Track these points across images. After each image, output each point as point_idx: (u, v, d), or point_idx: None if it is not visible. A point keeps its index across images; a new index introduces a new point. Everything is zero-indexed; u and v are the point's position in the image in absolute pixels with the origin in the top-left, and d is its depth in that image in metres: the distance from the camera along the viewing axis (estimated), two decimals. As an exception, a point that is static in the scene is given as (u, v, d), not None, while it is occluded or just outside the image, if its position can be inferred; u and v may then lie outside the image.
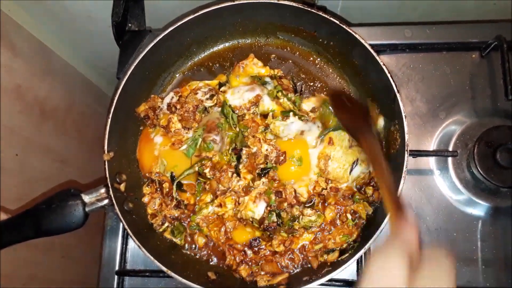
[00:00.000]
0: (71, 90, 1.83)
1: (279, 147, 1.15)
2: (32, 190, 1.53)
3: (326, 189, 1.15)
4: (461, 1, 1.42)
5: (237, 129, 1.19)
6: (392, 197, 0.74)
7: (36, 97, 1.57)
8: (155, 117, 1.24)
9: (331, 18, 1.15)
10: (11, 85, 1.42)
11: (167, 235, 1.18)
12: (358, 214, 1.13)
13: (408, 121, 1.07)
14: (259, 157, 1.15)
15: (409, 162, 1.24)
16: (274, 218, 1.14)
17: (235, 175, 1.16)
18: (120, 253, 1.28)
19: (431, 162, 1.28)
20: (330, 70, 1.29)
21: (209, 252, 1.19)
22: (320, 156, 1.16)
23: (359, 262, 1.17)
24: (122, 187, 1.16)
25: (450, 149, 1.25)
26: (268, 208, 1.14)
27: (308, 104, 1.24)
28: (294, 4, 1.16)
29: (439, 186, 1.26)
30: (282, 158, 1.14)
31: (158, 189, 1.21)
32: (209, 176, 1.17)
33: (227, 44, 1.33)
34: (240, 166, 1.17)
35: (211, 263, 1.18)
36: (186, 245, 1.20)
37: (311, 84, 1.29)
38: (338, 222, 1.14)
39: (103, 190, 1.11)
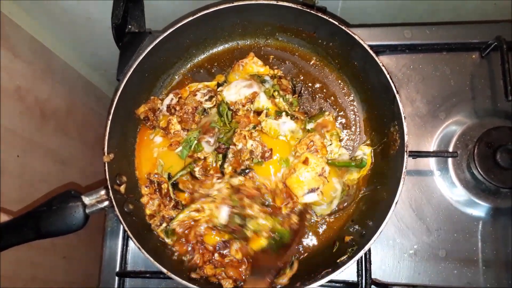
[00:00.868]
0: (71, 91, 1.83)
1: (265, 144, 1.15)
2: (33, 192, 1.54)
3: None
4: (461, 2, 1.42)
5: (231, 126, 1.19)
6: None
7: (37, 98, 1.58)
8: (154, 119, 1.24)
9: (330, 19, 1.15)
10: (11, 87, 1.43)
11: (161, 234, 1.19)
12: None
13: (408, 121, 1.07)
14: (244, 153, 1.14)
15: (409, 163, 1.24)
16: (237, 220, 1.14)
17: (218, 181, 1.16)
18: (120, 255, 1.29)
19: (431, 163, 1.28)
20: (330, 71, 1.29)
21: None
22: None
23: (359, 263, 1.18)
24: (122, 188, 1.16)
25: (450, 149, 1.25)
26: (232, 211, 1.14)
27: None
28: (293, 5, 1.16)
29: (439, 187, 1.26)
30: (268, 154, 1.13)
31: (157, 190, 1.21)
32: (198, 176, 1.18)
33: (226, 46, 1.33)
34: (225, 165, 1.17)
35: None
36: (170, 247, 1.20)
37: (310, 85, 1.29)
38: None
39: (103, 192, 1.10)
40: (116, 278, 1.27)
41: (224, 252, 1.15)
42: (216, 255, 1.16)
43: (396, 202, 1.02)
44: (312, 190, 1.11)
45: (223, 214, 1.13)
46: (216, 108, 1.21)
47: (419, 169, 1.28)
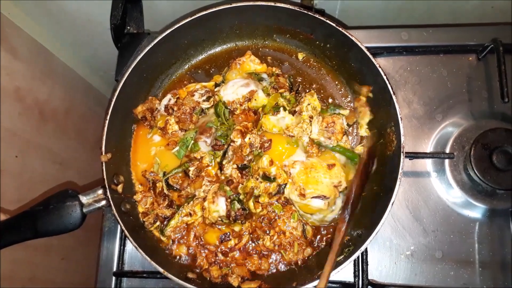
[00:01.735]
0: (70, 92, 1.84)
1: (264, 136, 1.15)
2: (32, 192, 1.54)
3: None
4: (458, 4, 1.43)
5: (228, 124, 1.20)
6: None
7: (36, 99, 1.58)
8: (152, 119, 1.25)
9: (327, 21, 1.15)
10: (11, 87, 1.44)
11: (156, 232, 1.19)
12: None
13: (405, 123, 1.08)
14: (244, 148, 1.15)
15: (406, 164, 1.25)
16: (237, 205, 1.15)
17: (207, 183, 1.17)
18: (117, 255, 1.29)
19: (428, 164, 1.28)
20: (327, 73, 1.29)
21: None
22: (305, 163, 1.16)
23: (356, 264, 1.18)
24: (120, 188, 1.16)
25: (447, 151, 1.25)
26: (229, 200, 1.15)
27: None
28: (291, 7, 1.17)
29: (436, 188, 1.26)
30: (267, 144, 1.14)
31: (151, 188, 1.21)
32: (191, 176, 1.18)
33: (224, 47, 1.34)
34: (224, 162, 1.17)
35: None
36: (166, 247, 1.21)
37: (308, 86, 1.29)
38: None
39: (100, 191, 1.11)
40: (113, 278, 1.27)
41: (228, 245, 1.17)
42: (220, 255, 1.17)
43: (393, 203, 1.02)
44: (321, 197, 1.11)
45: (221, 205, 1.13)
46: (214, 108, 1.22)
47: (416, 170, 1.28)
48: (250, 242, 1.19)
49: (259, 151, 1.14)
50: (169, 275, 1.04)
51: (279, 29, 1.28)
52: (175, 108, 1.22)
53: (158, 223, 1.18)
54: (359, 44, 1.13)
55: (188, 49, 1.31)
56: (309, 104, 1.19)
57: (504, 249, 1.19)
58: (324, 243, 1.19)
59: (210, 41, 1.32)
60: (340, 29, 1.15)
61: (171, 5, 1.51)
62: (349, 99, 1.27)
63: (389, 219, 1.25)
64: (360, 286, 1.16)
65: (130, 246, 1.30)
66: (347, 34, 1.14)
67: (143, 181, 1.24)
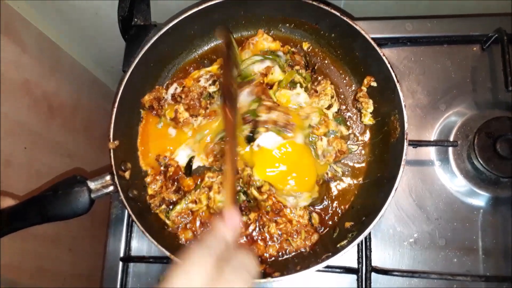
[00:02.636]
0: (78, 87, 1.86)
1: (290, 116, 1.16)
2: (40, 183, 1.55)
3: None
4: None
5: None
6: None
7: (44, 93, 1.60)
8: (159, 108, 1.27)
9: (332, 11, 1.17)
10: (20, 80, 1.45)
11: (161, 215, 1.21)
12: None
13: (409, 113, 1.09)
14: (268, 123, 1.15)
15: (409, 153, 1.26)
16: (242, 197, 1.17)
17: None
18: (125, 241, 1.30)
19: (431, 153, 1.29)
20: (331, 62, 1.30)
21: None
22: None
23: (359, 250, 1.19)
24: (127, 174, 1.18)
25: (451, 140, 1.26)
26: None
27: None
28: (297, -2, 1.18)
29: (439, 176, 1.27)
30: (291, 127, 1.15)
31: (162, 172, 1.23)
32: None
33: (230, 37, 1.35)
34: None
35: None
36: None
37: (314, 76, 1.30)
38: None
39: (108, 177, 1.13)
40: (120, 263, 1.28)
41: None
42: None
43: (396, 188, 1.03)
44: None
45: None
46: None
47: (419, 159, 1.29)
48: (256, 229, 1.20)
49: (281, 129, 1.15)
50: (175, 259, 1.05)
51: (284, 19, 1.29)
52: (183, 96, 1.23)
53: (164, 206, 1.20)
54: (363, 33, 1.14)
55: (194, 40, 1.33)
56: (330, 88, 1.21)
57: (508, 237, 1.19)
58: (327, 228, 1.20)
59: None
60: (345, 19, 1.16)
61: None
62: (353, 88, 1.28)
63: (392, 207, 1.26)
64: (364, 272, 1.17)
65: (137, 233, 1.32)
66: (352, 23, 1.15)
67: (155, 165, 1.26)
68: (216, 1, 1.20)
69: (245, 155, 1.18)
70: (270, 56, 1.25)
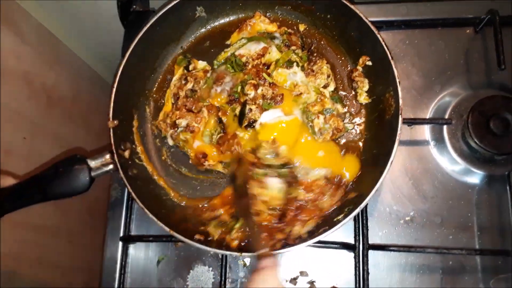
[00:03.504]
0: (77, 80, 1.86)
1: (276, 89, 1.18)
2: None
3: None
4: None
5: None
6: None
7: (44, 84, 1.60)
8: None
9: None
10: (19, 71, 1.46)
11: (170, 140, 1.27)
12: None
13: (404, 94, 1.10)
14: (257, 100, 1.18)
15: (405, 133, 1.28)
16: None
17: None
18: (124, 222, 1.32)
19: (426, 133, 1.31)
20: (327, 43, 1.32)
21: None
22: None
23: (356, 228, 1.21)
24: (127, 154, 1.19)
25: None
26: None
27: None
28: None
29: (435, 156, 1.29)
30: (279, 98, 1.17)
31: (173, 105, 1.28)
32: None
33: (227, 20, 1.37)
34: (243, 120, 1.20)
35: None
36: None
37: (311, 57, 1.32)
38: None
39: (108, 156, 1.14)
40: (120, 243, 1.30)
41: None
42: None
43: (391, 162, 1.05)
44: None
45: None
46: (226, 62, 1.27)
47: (415, 139, 1.31)
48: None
49: (270, 102, 1.17)
50: (175, 234, 1.07)
51: (281, 2, 1.31)
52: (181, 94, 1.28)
53: (171, 131, 1.25)
54: (359, 13, 1.17)
55: (193, 22, 1.34)
56: (326, 67, 1.23)
57: (502, 213, 1.21)
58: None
59: (214, 14, 1.35)
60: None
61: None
62: (349, 68, 1.30)
63: (389, 186, 1.28)
64: (361, 249, 1.19)
65: (136, 215, 1.34)
66: (348, 4, 1.18)
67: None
68: (214, -16, 1.22)
69: (248, 141, 1.20)
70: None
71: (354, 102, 1.27)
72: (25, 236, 1.48)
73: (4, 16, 1.35)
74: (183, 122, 1.22)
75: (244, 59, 1.24)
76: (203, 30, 1.38)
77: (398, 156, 1.27)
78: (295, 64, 1.22)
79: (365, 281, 1.17)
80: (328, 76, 1.23)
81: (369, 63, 1.22)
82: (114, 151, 1.14)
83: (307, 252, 1.25)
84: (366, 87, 1.22)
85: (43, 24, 1.60)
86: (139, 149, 1.27)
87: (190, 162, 1.28)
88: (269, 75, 1.21)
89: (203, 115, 1.21)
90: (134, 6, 1.47)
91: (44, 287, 1.58)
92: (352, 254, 1.21)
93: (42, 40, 1.60)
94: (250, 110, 1.16)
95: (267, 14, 1.35)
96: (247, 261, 1.27)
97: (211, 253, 1.28)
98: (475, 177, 1.25)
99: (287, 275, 1.24)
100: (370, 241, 1.21)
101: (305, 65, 1.25)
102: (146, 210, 1.08)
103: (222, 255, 1.24)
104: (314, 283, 1.23)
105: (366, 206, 1.20)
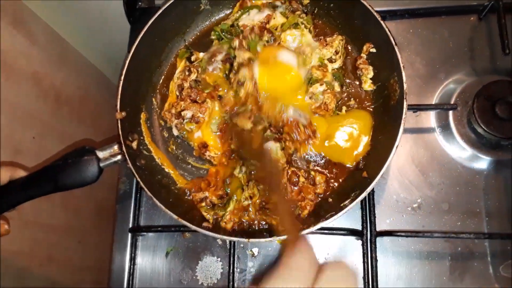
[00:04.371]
0: (85, 80, 1.89)
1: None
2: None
3: None
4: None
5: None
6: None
7: (53, 84, 1.63)
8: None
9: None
10: (29, 71, 1.48)
11: (175, 130, 1.29)
12: None
13: (409, 82, 1.10)
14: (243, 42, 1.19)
15: (411, 121, 1.29)
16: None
17: None
18: (133, 214, 1.33)
19: (432, 120, 1.31)
20: (331, 32, 1.32)
21: None
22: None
23: (363, 216, 1.21)
24: (134, 144, 1.21)
25: (451, 104, 1.28)
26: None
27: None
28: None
29: (440, 143, 1.29)
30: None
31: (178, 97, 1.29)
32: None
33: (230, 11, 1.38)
34: (231, 75, 1.22)
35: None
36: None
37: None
38: None
39: (116, 147, 1.16)
40: (129, 234, 1.31)
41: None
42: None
43: (397, 146, 1.05)
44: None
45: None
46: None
47: (420, 126, 1.31)
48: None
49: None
50: (183, 221, 1.08)
51: (284, -8, 1.33)
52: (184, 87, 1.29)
53: (175, 121, 1.26)
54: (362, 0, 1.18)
55: (198, 15, 1.37)
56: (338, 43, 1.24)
57: (510, 198, 1.21)
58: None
59: (218, 7, 1.37)
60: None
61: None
62: (353, 55, 1.30)
63: (395, 174, 1.28)
64: (369, 236, 1.19)
65: (144, 208, 1.35)
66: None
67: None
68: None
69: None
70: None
71: (359, 90, 1.27)
72: (36, 235, 1.50)
73: (13, 18, 1.38)
74: (188, 114, 1.23)
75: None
76: (207, 23, 1.39)
77: (404, 144, 1.28)
78: (303, 26, 1.23)
79: (374, 268, 1.16)
80: (337, 53, 1.23)
81: (373, 49, 1.23)
82: (122, 142, 1.15)
83: (314, 239, 1.25)
84: (371, 74, 1.23)
85: (51, 26, 1.62)
86: (146, 140, 1.29)
87: (194, 153, 1.29)
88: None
89: (207, 105, 1.22)
90: (140, 3, 1.50)
91: (53, 285, 1.60)
92: (360, 242, 1.21)
93: (50, 42, 1.63)
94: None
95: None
96: (255, 251, 1.27)
97: (219, 244, 1.29)
98: (482, 162, 1.25)
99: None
100: (378, 229, 1.21)
101: (311, 28, 1.26)
102: (154, 199, 1.10)
103: (230, 245, 1.24)
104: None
105: (373, 193, 1.21)
